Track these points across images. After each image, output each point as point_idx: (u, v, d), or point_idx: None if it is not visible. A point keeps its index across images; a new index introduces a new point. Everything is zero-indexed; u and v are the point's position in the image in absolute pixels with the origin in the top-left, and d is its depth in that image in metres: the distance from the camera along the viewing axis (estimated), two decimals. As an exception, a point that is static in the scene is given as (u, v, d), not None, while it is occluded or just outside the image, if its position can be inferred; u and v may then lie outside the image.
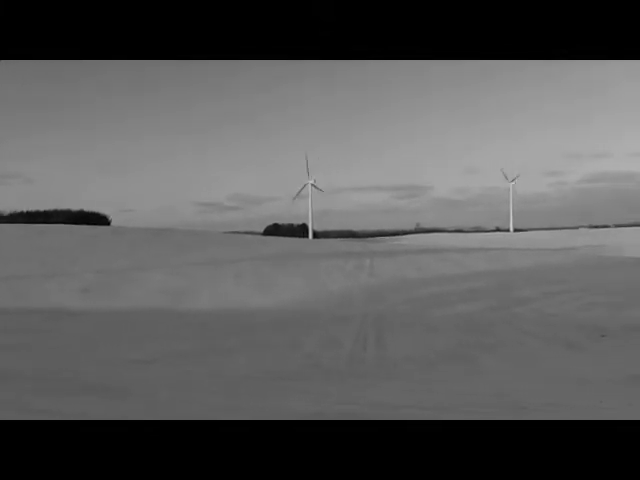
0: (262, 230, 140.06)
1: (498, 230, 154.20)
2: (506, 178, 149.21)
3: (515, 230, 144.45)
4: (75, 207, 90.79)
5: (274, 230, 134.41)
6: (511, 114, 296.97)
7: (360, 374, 13.75)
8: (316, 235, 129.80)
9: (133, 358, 15.23)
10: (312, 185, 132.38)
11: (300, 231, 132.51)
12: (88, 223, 70.21)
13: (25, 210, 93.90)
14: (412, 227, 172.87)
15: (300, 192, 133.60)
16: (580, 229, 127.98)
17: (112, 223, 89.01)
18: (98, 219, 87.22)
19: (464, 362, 14.94)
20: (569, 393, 11.28)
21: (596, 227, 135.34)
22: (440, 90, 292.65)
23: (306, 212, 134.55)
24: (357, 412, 8.70)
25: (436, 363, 14.82)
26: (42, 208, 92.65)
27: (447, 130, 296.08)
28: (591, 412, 9.30)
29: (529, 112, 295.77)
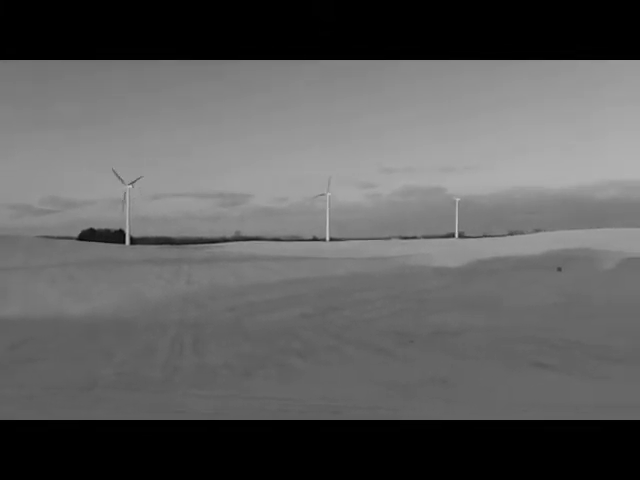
0: (77, 235, 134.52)
1: (315, 239, 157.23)
2: (327, 190, 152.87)
3: (331, 239, 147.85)
4: None
5: (90, 235, 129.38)
6: (331, 126, 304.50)
7: (176, 382, 13.57)
8: (134, 241, 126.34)
9: None
10: (130, 187, 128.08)
11: (117, 237, 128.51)
12: None
13: None
14: (232, 235, 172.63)
15: (124, 199, 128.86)
16: (392, 239, 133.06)
17: None
18: None
19: (280, 368, 15.12)
20: (379, 396, 11.71)
21: (406, 238, 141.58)
22: (262, 97, 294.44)
23: (123, 217, 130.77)
24: (173, 419, 8.56)
25: (253, 370, 14.90)
26: None
27: (269, 139, 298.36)
28: (401, 413, 9.72)
29: (349, 124, 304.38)
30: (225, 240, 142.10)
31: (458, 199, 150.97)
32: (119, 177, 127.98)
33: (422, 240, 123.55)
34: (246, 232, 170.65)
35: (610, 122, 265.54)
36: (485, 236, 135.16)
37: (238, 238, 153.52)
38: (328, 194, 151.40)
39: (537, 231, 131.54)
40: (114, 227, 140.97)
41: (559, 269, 47.90)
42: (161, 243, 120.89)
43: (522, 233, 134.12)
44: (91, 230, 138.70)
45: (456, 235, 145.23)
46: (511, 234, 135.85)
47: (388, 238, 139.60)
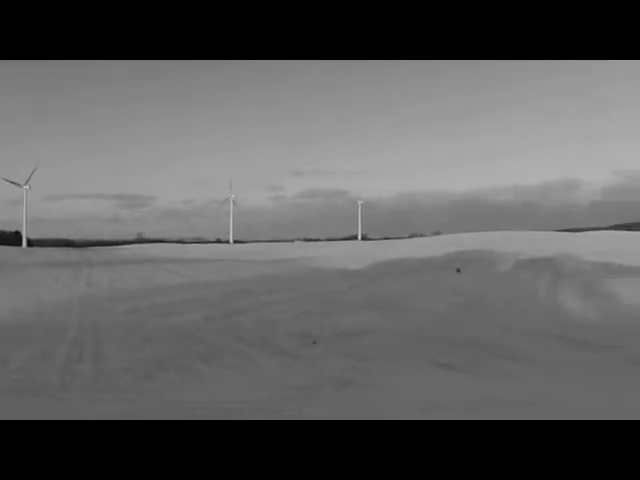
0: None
1: (219, 241, 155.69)
2: (231, 193, 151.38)
3: (235, 242, 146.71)
4: None
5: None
6: (239, 128, 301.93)
7: (75, 387, 13.29)
8: (31, 243, 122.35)
9: None
10: (27, 188, 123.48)
11: (13, 239, 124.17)
12: None
13: None
14: (134, 237, 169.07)
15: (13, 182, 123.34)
16: (295, 242, 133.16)
17: None
18: None
19: (182, 371, 15.03)
20: (283, 397, 11.78)
21: (310, 240, 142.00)
22: (169, 101, 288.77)
23: (20, 219, 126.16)
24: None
25: (155, 373, 14.74)
26: None
27: (173, 139, 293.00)
28: (304, 414, 9.81)
29: (255, 128, 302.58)
30: (127, 242, 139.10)
31: (361, 202, 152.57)
32: (13, 182, 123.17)
33: (326, 242, 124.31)
34: (149, 234, 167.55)
35: (496, 130, 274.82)
36: (387, 238, 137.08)
37: (140, 240, 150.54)
38: (232, 196, 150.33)
39: (437, 233, 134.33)
40: (10, 229, 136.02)
41: (458, 270, 49.12)
42: (60, 245, 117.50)
43: (422, 235, 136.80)
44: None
45: (359, 237, 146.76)
46: (412, 236, 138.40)
47: (292, 240, 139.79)
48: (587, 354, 16.97)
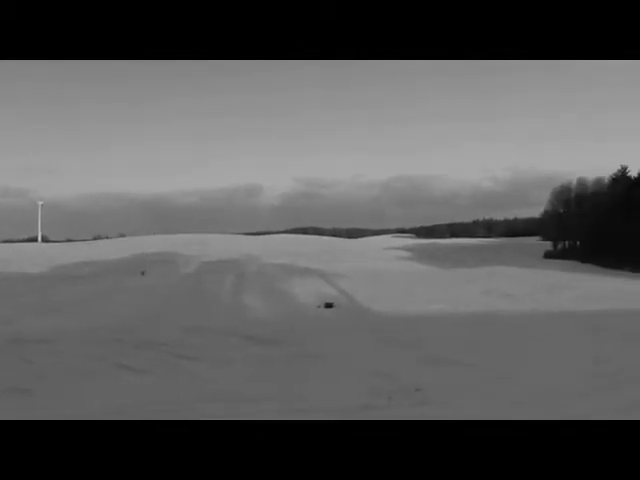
0: None
1: None
2: None
3: None
4: None
5: None
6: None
7: None
8: None
9: None
10: None
11: None
12: None
13: None
14: None
15: None
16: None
17: None
18: None
19: None
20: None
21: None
22: None
23: None
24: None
25: None
26: None
27: None
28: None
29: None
30: None
31: (41, 202, 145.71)
32: None
33: (1, 244, 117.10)
34: None
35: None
36: (70, 240, 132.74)
37: None
38: None
39: (122, 236, 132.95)
40: None
41: (143, 273, 49.15)
42: None
43: (107, 238, 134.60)
44: None
45: (39, 239, 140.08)
46: (96, 238, 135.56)
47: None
48: (267, 350, 18.07)
